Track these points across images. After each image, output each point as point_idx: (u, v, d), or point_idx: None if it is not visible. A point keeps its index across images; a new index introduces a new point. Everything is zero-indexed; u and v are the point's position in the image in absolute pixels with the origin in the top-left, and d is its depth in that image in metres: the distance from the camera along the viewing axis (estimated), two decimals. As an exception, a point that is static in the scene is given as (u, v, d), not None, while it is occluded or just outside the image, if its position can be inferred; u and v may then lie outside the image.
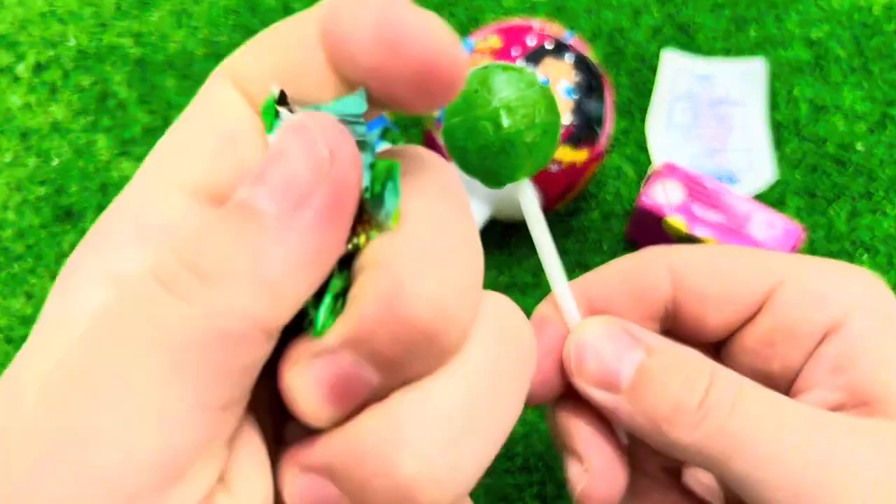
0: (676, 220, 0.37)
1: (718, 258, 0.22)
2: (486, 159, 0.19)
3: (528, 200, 0.21)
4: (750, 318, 0.22)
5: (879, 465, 0.18)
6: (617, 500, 0.21)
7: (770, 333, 0.21)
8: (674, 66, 0.47)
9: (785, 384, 0.21)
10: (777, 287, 0.21)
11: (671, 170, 0.38)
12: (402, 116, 0.46)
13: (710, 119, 0.45)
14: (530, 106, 0.19)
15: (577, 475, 0.21)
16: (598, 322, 0.21)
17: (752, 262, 0.22)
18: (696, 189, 0.38)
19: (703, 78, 0.47)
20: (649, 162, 0.44)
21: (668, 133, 0.45)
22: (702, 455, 0.19)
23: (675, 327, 0.23)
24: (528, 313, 0.47)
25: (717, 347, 0.23)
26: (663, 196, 0.38)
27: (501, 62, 0.20)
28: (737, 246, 0.27)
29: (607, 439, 0.22)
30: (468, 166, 0.20)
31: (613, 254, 0.41)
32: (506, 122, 0.19)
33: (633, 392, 0.20)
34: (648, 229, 0.39)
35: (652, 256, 0.23)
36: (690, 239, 0.37)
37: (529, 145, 0.19)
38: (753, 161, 0.43)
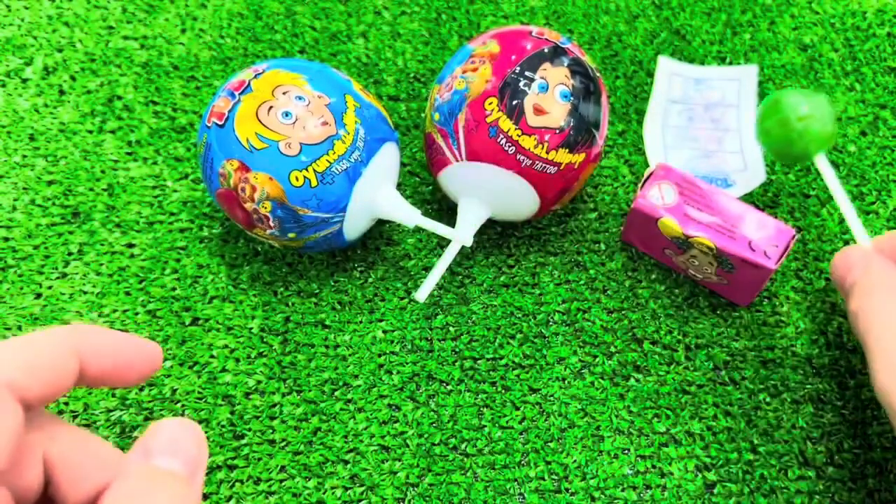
0: (671, 221, 0.38)
1: None
2: (791, 146, 0.36)
3: (824, 166, 0.36)
4: None
5: None
6: None
7: None
8: (669, 71, 0.48)
9: None
10: None
11: (666, 171, 0.39)
12: (401, 120, 0.46)
13: (705, 122, 0.46)
14: (819, 107, 0.35)
15: None
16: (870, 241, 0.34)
17: None
18: (690, 190, 0.38)
19: (697, 82, 0.47)
20: (645, 164, 0.45)
21: (663, 135, 0.46)
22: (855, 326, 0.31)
23: None
24: (528, 313, 0.48)
25: None
26: (658, 197, 0.38)
27: (791, 89, 0.36)
28: None
29: None
30: (777, 155, 0.37)
31: (611, 253, 0.42)
32: (803, 113, 0.35)
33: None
34: (644, 229, 0.39)
35: None
36: (686, 239, 0.37)
37: (820, 132, 0.35)
38: (747, 163, 0.44)
